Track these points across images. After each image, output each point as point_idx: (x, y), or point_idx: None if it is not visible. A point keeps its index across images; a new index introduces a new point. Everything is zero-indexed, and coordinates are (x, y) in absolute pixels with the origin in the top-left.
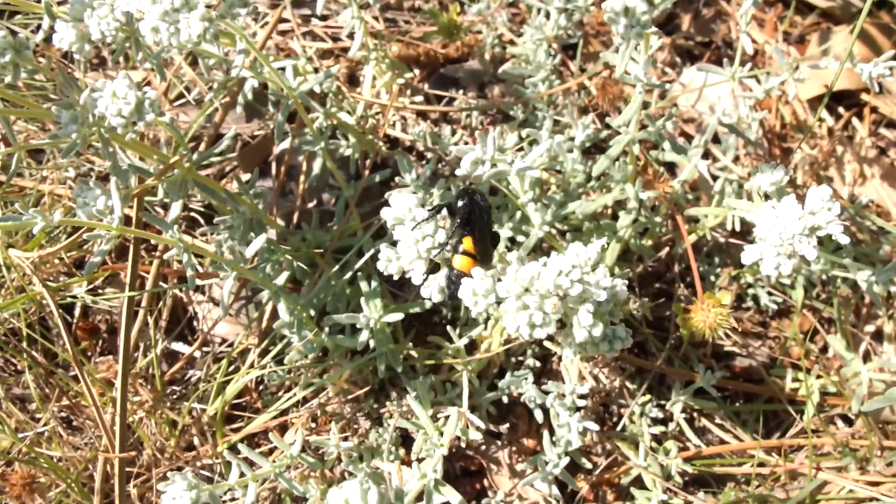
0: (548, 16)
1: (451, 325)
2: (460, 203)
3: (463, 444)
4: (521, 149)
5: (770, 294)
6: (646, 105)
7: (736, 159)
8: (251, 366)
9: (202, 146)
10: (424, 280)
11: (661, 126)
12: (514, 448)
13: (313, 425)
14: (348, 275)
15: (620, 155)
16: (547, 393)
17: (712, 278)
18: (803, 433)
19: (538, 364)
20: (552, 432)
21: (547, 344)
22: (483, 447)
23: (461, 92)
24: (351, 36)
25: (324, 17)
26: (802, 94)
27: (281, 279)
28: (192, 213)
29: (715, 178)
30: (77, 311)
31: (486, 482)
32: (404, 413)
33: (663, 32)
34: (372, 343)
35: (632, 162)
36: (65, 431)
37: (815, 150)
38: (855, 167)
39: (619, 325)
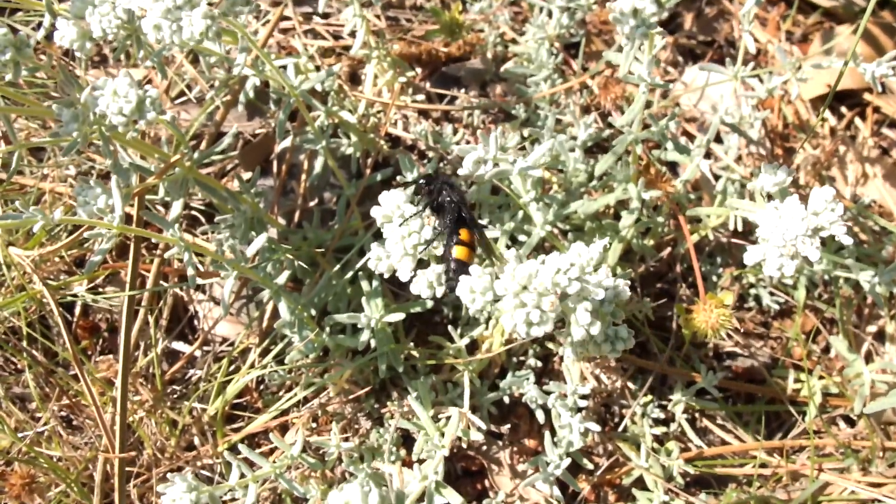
0: (550, 14)
1: (452, 325)
2: (430, 186)
3: (464, 445)
4: (523, 148)
5: (772, 294)
6: (648, 104)
7: (738, 159)
8: (252, 365)
9: (203, 144)
10: (413, 276)
11: (665, 126)
12: (515, 448)
13: (314, 425)
14: (349, 274)
15: (623, 154)
16: (548, 393)
17: (714, 278)
18: (805, 434)
19: (539, 364)
20: (553, 433)
21: (548, 344)
22: (484, 447)
23: (463, 91)
24: (353, 34)
25: (325, 15)
26: (805, 93)
27: (282, 278)
28: (193, 212)
29: (717, 177)
30: (77, 310)
31: (487, 483)
32: (405, 413)
33: (666, 31)
34: (373, 343)
35: (634, 161)
36: (65, 431)
37: (818, 149)
38: (857, 167)
39: (622, 325)
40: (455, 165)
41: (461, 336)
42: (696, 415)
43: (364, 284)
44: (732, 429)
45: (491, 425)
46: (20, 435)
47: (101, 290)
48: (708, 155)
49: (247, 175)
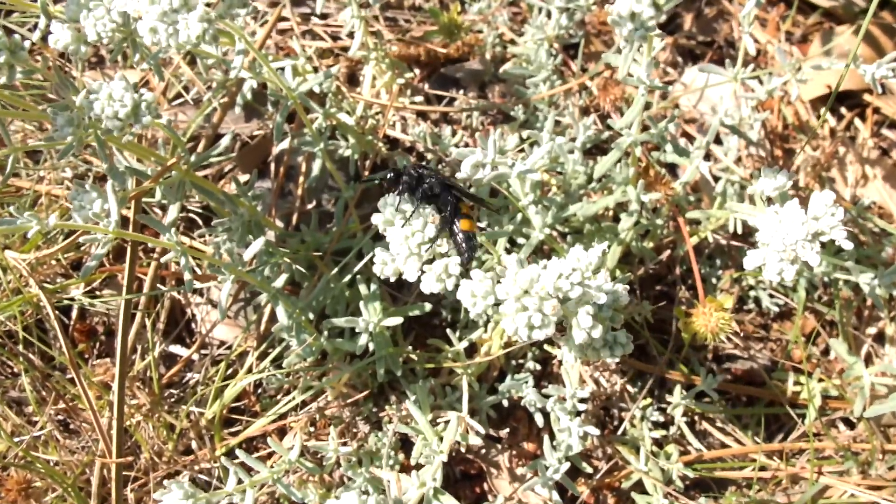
0: (549, 15)
1: (450, 328)
2: (402, 178)
3: (463, 449)
4: (522, 150)
5: (772, 296)
6: (647, 105)
7: (738, 160)
8: (249, 369)
9: (200, 146)
10: (420, 276)
11: (664, 128)
12: (514, 452)
13: (312, 429)
14: (347, 277)
15: (622, 157)
16: (547, 397)
17: (714, 280)
18: (804, 437)
19: (538, 367)
20: (552, 436)
21: (547, 347)
22: (483, 451)
23: (461, 92)
24: (351, 35)
25: (323, 16)
26: (805, 94)
27: (279, 281)
28: (191, 214)
29: (716, 179)
30: (74, 313)
31: (486, 486)
32: (403, 418)
33: (665, 32)
34: (371, 346)
35: (633, 164)
36: (61, 435)
37: (818, 151)
38: (857, 168)
39: (620, 330)
40: (453, 167)
41: (460, 339)
42: (696, 417)
43: (362, 288)
44: (732, 431)
45: (490, 429)
46: (16, 439)
47: (97, 293)
48: (707, 156)
49: (244, 177)
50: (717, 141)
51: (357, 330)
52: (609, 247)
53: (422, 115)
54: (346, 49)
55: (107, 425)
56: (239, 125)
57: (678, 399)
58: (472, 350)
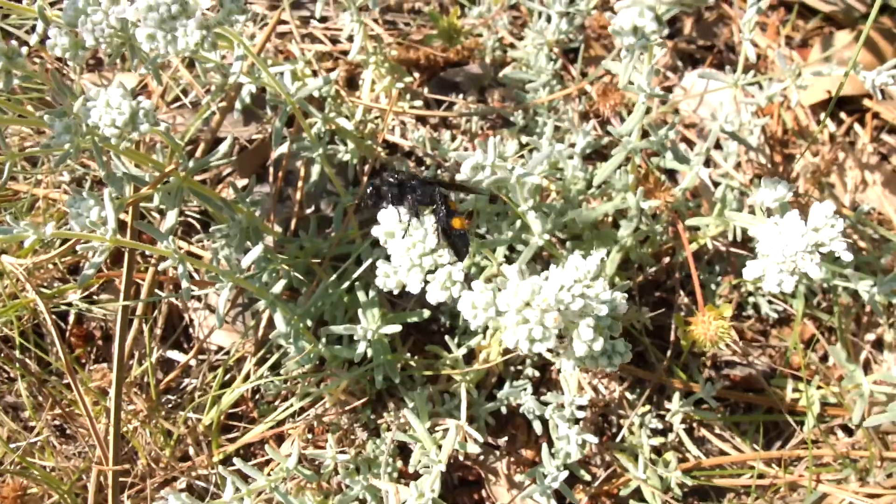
0: (549, 19)
1: (449, 335)
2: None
3: (461, 456)
4: (522, 155)
5: (770, 303)
6: (647, 110)
7: (737, 165)
8: (247, 375)
9: (199, 150)
10: (425, 286)
11: (665, 136)
12: (512, 459)
13: (309, 436)
14: (346, 284)
15: (622, 163)
16: (546, 404)
17: (713, 287)
18: (803, 444)
19: (537, 374)
20: (551, 444)
21: (546, 355)
22: (481, 457)
23: (461, 96)
24: (350, 38)
25: (323, 19)
26: (804, 99)
27: (278, 287)
28: (188, 219)
29: (716, 184)
30: (71, 318)
31: (484, 493)
32: (402, 425)
33: (665, 37)
34: (369, 353)
35: (633, 171)
36: (58, 441)
37: (818, 157)
38: (856, 174)
39: (619, 339)
40: (453, 172)
41: (458, 346)
42: (694, 424)
43: (360, 295)
44: (730, 438)
45: (488, 436)
46: (13, 445)
47: (95, 297)
48: (707, 162)
49: (242, 182)
50: (717, 146)
51: (355, 337)
52: (608, 253)
53: (421, 120)
54: (345, 52)
55: (103, 431)
56: (237, 129)
57: (677, 406)
58: (470, 356)
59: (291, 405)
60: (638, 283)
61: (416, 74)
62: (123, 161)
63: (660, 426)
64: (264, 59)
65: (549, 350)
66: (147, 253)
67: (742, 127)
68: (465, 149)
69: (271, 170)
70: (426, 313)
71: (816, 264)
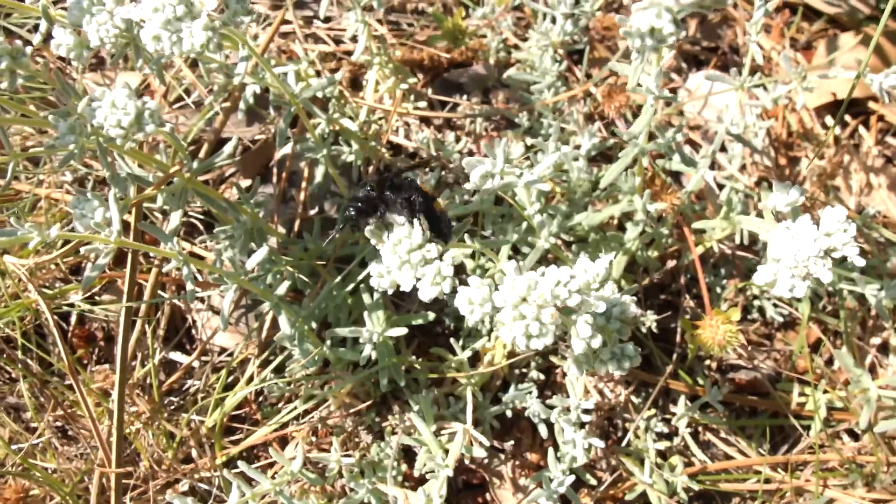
0: (553, 21)
1: (453, 337)
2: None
3: (466, 459)
4: (528, 158)
5: (776, 306)
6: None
7: (742, 168)
8: (251, 378)
9: (202, 151)
10: (416, 283)
11: (672, 138)
12: (517, 462)
13: (313, 438)
14: (350, 286)
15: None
16: (551, 408)
17: (718, 290)
18: (809, 448)
19: (542, 377)
20: (556, 448)
21: (551, 357)
22: (486, 461)
23: (465, 97)
24: (354, 39)
25: (326, 19)
26: (809, 102)
27: (282, 289)
28: (191, 219)
29: (720, 186)
30: (73, 319)
31: (488, 496)
32: (407, 428)
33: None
34: (374, 355)
35: (639, 173)
36: (59, 442)
37: (824, 160)
38: (861, 177)
39: (628, 343)
40: (457, 174)
41: (463, 348)
42: (699, 428)
43: (365, 297)
44: (735, 442)
45: (493, 440)
46: (14, 447)
47: (97, 298)
48: (711, 164)
49: (245, 182)
50: (722, 148)
51: (361, 340)
52: (615, 256)
53: (425, 121)
54: (348, 53)
55: (106, 433)
56: (240, 129)
57: (682, 410)
58: (474, 359)
59: (295, 407)
60: (643, 286)
61: (420, 75)
62: (127, 161)
63: (665, 430)
64: (268, 60)
65: (556, 351)
66: (150, 253)
67: (747, 129)
68: (470, 150)
69: (275, 170)
70: (431, 316)
71: (828, 269)
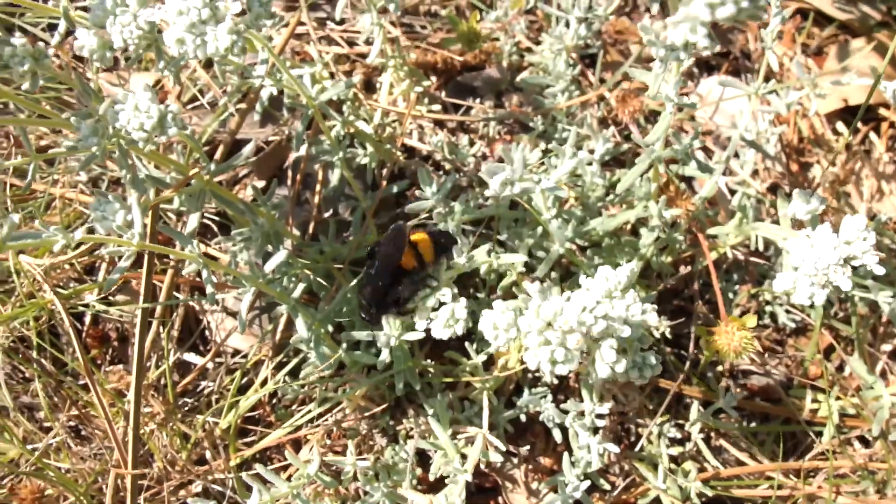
0: (567, 25)
1: (467, 340)
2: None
3: (481, 463)
4: (543, 162)
5: (788, 312)
6: None
7: (754, 174)
8: (265, 380)
9: (218, 152)
10: (429, 322)
11: (689, 144)
12: (530, 466)
13: (327, 441)
14: None
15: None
16: (565, 412)
17: (730, 295)
18: (821, 455)
19: (555, 381)
20: (570, 452)
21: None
22: (499, 464)
23: (478, 101)
24: (368, 41)
25: (340, 21)
26: (821, 108)
27: (297, 292)
28: (206, 220)
29: (732, 192)
30: (87, 319)
31: (501, 500)
32: (422, 432)
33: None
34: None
35: (655, 179)
36: (74, 442)
37: (836, 166)
38: (873, 183)
39: (649, 351)
40: (471, 178)
41: (477, 352)
42: (712, 433)
43: None
44: (748, 448)
45: (507, 444)
46: (29, 447)
47: (111, 298)
48: (724, 170)
49: (260, 183)
50: (734, 154)
51: (378, 344)
52: (629, 262)
53: (439, 124)
54: (362, 55)
55: (121, 434)
56: (254, 130)
57: (695, 415)
58: (489, 363)
59: (309, 410)
60: (657, 292)
61: (434, 78)
62: (145, 163)
63: (678, 435)
64: (284, 62)
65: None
66: (165, 255)
67: (759, 135)
68: (484, 154)
69: (289, 173)
70: None
71: (848, 277)
